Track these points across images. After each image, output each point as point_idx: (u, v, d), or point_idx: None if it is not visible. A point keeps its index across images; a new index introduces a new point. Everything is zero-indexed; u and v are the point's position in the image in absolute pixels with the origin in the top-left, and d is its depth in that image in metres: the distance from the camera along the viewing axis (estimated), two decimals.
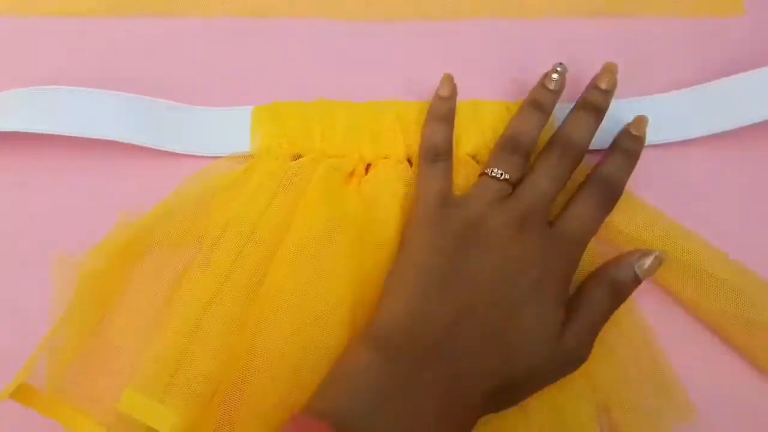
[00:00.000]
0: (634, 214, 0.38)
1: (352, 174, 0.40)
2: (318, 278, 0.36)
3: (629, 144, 0.38)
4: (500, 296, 0.33)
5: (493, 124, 0.40)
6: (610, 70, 0.39)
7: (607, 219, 0.37)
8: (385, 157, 0.40)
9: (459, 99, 0.40)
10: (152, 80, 0.42)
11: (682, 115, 0.41)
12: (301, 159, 0.39)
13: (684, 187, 0.41)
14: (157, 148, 0.40)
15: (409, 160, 0.40)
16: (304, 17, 0.44)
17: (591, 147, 0.39)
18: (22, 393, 0.33)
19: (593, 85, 0.39)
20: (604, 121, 0.39)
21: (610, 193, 0.37)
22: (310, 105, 0.41)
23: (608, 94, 0.38)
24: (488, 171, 0.37)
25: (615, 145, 0.38)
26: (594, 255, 0.38)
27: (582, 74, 0.40)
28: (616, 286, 0.35)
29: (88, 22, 0.45)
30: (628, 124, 0.38)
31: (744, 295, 0.36)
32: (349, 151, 0.40)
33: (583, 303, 0.35)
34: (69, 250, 0.37)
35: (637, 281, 0.35)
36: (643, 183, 0.40)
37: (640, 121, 0.38)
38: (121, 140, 0.39)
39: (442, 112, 0.39)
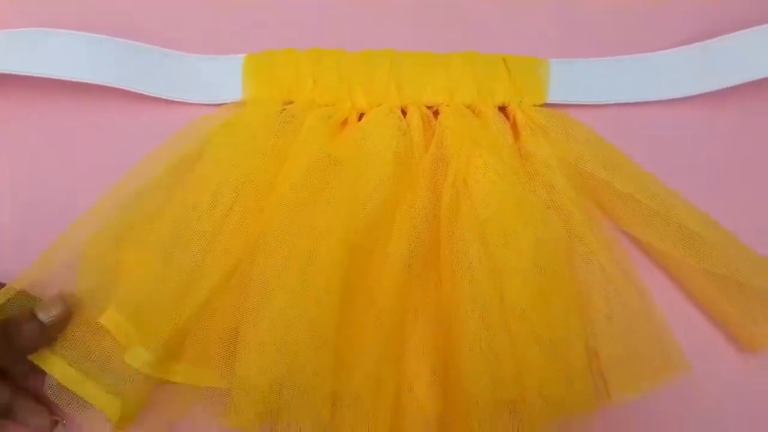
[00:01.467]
0: (621, 170, 0.38)
1: (344, 122, 0.39)
2: (311, 218, 0.35)
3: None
4: None
5: (489, 77, 0.40)
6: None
7: (599, 176, 0.38)
8: (378, 106, 0.39)
9: (451, 50, 0.40)
10: (146, 31, 0.42)
11: (677, 74, 0.41)
12: (292, 105, 0.39)
13: (674, 144, 0.41)
14: (149, 94, 0.40)
15: (403, 110, 0.39)
16: None
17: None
18: None
19: None
20: (608, 75, 0.39)
21: None
22: (303, 53, 0.40)
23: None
24: None
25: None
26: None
27: (579, 37, 0.41)
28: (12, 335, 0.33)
29: None
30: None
31: (720, 252, 0.36)
32: (342, 99, 0.39)
33: None
34: (55, 190, 0.38)
35: (41, 328, 0.33)
36: (632, 141, 0.40)
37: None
38: (111, 85, 0.39)
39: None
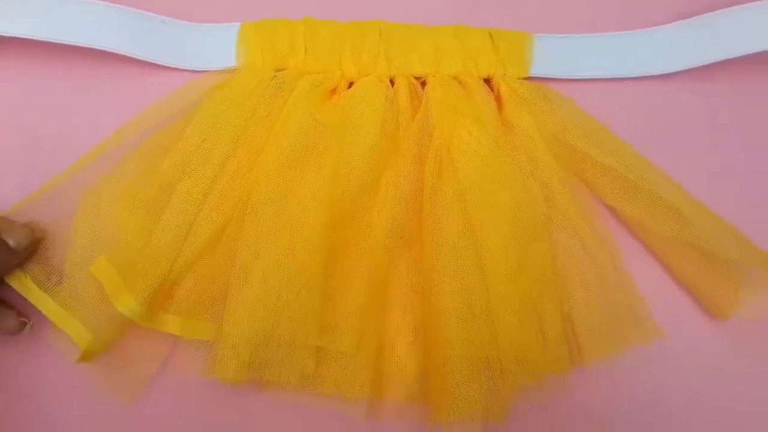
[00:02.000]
0: (601, 142, 0.39)
1: (334, 91, 0.40)
2: (299, 182, 0.37)
3: None
4: None
5: (475, 50, 0.41)
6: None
7: (580, 148, 0.39)
8: (367, 75, 0.40)
9: (441, 23, 0.41)
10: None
11: (660, 50, 0.42)
12: (283, 72, 0.40)
13: (655, 119, 0.42)
14: (147, 60, 0.41)
15: (391, 80, 0.41)
16: None
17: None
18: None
19: None
20: (592, 51, 0.41)
21: None
22: (296, 22, 0.41)
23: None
24: None
25: None
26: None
27: (564, 23, 0.42)
28: None
29: None
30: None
31: (692, 222, 0.38)
32: (332, 68, 0.41)
33: None
34: (53, 149, 0.40)
35: (10, 252, 0.35)
36: (613, 115, 0.41)
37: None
38: (111, 50, 0.40)
39: None
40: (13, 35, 0.39)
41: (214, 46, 0.42)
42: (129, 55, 0.41)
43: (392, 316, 0.38)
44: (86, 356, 0.35)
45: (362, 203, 0.38)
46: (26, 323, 0.37)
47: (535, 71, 0.41)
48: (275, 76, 0.40)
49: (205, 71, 0.42)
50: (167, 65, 0.41)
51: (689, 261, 0.39)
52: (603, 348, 0.38)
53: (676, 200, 0.38)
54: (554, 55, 0.42)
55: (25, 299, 0.36)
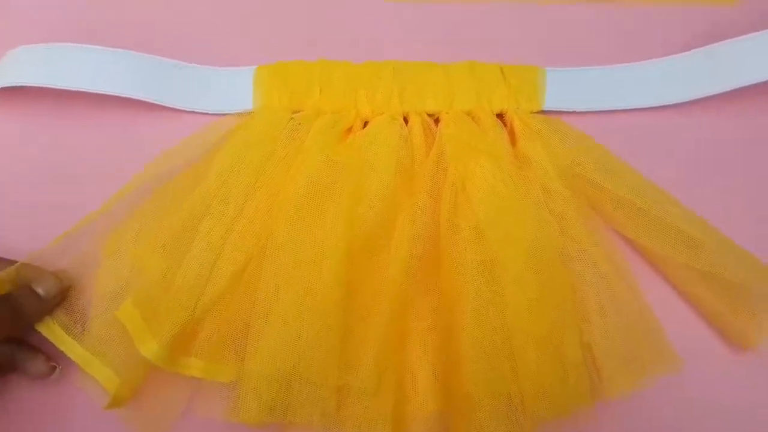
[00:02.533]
0: (616, 175, 0.39)
1: (349, 130, 0.41)
2: (316, 222, 0.37)
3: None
4: None
5: (487, 86, 0.41)
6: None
7: (595, 181, 0.39)
8: (381, 114, 0.41)
9: (454, 61, 0.42)
10: (160, 46, 0.44)
11: (670, 81, 0.42)
12: (300, 114, 0.41)
13: (667, 150, 0.42)
14: (165, 104, 0.42)
15: (405, 118, 0.41)
16: None
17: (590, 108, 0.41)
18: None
19: None
20: (603, 83, 0.42)
21: None
22: (311, 64, 0.42)
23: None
24: None
25: None
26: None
27: (575, 57, 0.43)
28: (17, 308, 0.36)
29: None
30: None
31: (713, 252, 0.37)
32: (347, 107, 0.41)
33: None
34: (73, 198, 0.41)
35: (39, 300, 0.36)
36: (625, 146, 0.41)
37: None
38: (130, 96, 0.41)
39: None
40: (26, 84, 0.41)
41: (229, 90, 0.43)
42: (146, 100, 0.42)
43: (412, 353, 0.38)
44: (116, 402, 0.36)
45: (379, 240, 0.38)
46: (55, 367, 0.38)
47: (548, 105, 0.42)
48: (292, 118, 0.41)
49: (222, 114, 0.43)
50: (183, 109, 0.43)
51: (710, 291, 0.38)
52: (624, 379, 0.37)
53: (697, 232, 0.38)
54: (566, 88, 0.42)
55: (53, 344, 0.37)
